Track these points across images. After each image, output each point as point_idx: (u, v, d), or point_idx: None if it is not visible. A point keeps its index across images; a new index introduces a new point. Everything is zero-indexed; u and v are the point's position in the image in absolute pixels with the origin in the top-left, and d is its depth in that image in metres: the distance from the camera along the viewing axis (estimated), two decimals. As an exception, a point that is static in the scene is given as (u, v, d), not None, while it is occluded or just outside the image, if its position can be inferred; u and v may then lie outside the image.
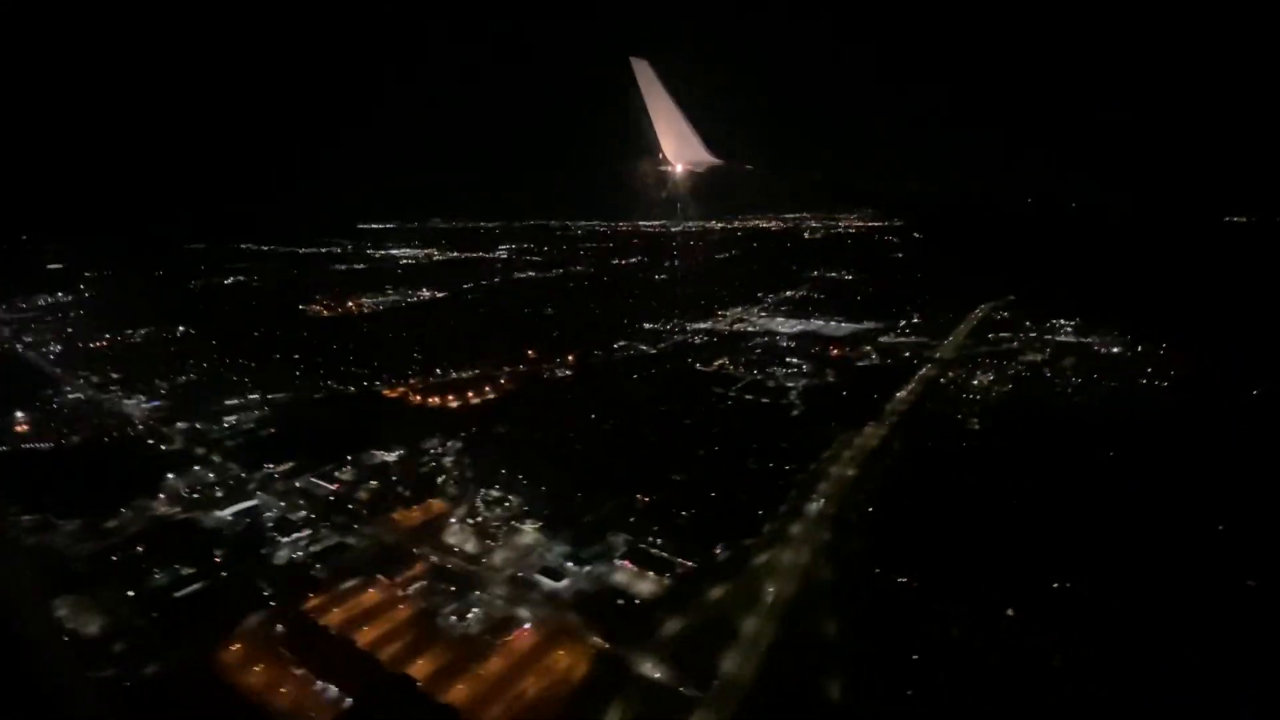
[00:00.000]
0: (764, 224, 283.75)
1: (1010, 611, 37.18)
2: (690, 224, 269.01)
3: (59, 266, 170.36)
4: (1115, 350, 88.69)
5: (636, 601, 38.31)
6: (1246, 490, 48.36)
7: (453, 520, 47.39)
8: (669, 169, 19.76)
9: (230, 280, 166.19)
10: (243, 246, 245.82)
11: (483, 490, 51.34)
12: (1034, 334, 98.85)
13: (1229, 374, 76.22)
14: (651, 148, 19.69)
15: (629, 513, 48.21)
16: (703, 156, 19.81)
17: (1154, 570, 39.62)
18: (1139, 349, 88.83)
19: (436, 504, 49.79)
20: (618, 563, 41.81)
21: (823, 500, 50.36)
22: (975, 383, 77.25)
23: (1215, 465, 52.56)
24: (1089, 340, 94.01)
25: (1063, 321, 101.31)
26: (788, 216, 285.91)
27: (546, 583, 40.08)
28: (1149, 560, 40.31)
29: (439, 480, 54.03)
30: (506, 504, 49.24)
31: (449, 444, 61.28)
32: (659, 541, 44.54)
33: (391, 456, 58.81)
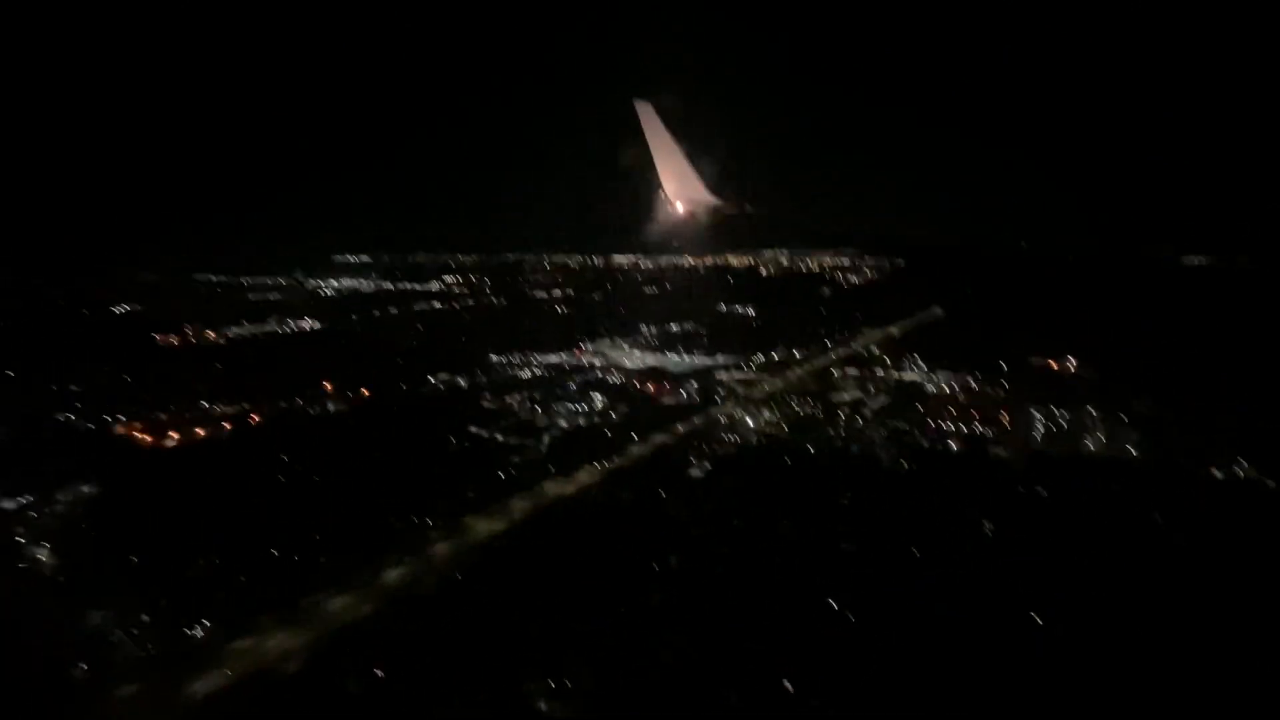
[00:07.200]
0: (733, 261, 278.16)
1: None
2: (663, 259, 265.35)
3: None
4: (946, 390, 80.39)
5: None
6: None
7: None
8: (670, 209, 19.71)
9: (122, 308, 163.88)
10: (195, 277, 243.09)
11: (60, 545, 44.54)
12: (880, 371, 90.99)
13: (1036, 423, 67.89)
14: (653, 188, 19.75)
15: (203, 569, 40.98)
16: (703, 197, 19.70)
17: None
18: (973, 388, 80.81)
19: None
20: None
21: (420, 563, 42.58)
22: (751, 423, 69.22)
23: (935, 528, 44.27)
24: (930, 378, 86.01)
25: (920, 358, 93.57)
26: (765, 254, 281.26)
27: None
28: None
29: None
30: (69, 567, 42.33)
31: (93, 490, 54.57)
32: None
33: (12, 504, 52.24)
